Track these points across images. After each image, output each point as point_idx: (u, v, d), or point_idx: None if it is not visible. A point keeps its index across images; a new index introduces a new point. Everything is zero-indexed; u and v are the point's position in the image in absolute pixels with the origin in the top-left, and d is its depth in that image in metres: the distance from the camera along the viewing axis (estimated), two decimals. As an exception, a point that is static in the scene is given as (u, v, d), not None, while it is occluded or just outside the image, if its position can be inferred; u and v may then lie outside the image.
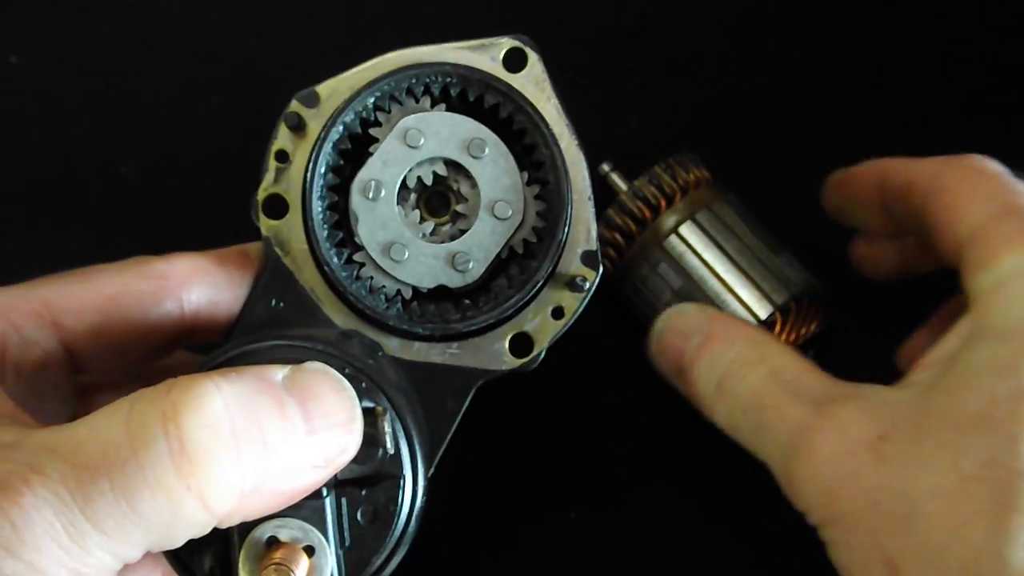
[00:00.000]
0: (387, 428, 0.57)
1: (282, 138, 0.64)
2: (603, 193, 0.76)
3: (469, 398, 0.64)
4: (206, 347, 0.67)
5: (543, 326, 0.64)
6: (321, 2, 0.88)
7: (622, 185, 0.77)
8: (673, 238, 0.75)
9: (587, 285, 0.64)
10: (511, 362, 0.64)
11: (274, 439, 0.52)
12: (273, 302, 0.64)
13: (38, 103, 0.86)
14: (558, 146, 0.62)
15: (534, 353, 0.64)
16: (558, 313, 0.64)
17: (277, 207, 0.64)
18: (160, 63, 0.84)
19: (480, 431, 0.79)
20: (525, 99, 0.63)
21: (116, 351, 0.63)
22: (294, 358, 0.57)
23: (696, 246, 0.74)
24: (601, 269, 0.64)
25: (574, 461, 0.82)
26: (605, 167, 0.77)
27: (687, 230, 0.75)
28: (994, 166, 0.66)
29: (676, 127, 0.87)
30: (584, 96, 0.84)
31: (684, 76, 0.88)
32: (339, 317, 0.64)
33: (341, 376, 0.56)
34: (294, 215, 0.64)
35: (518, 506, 0.81)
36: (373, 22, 0.87)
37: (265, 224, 0.64)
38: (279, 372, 0.54)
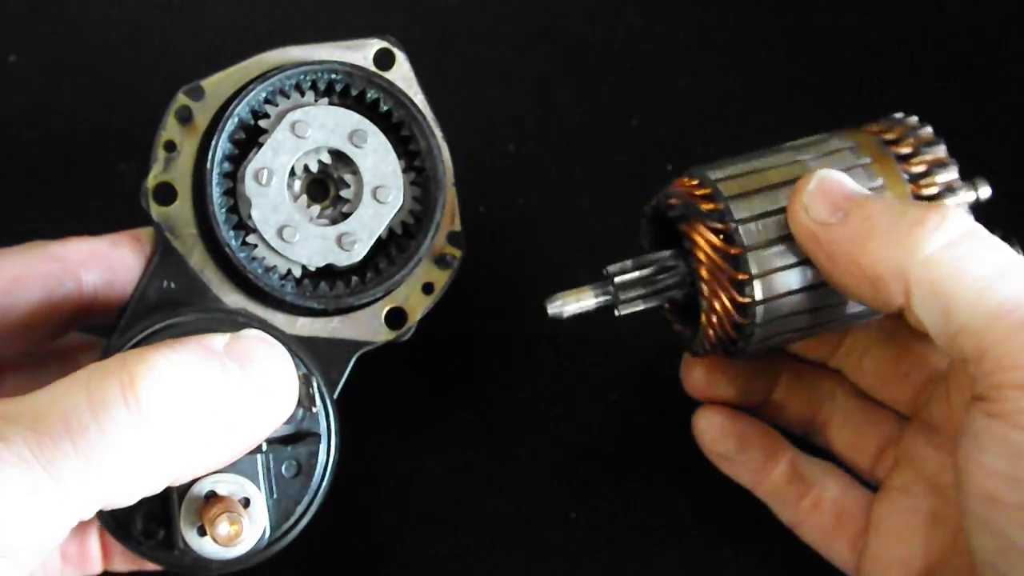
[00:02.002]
0: (312, 390, 0.63)
1: (170, 129, 0.68)
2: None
3: (350, 367, 0.70)
4: (100, 328, 0.70)
5: (415, 301, 0.71)
6: (322, 4, 0.89)
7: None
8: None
9: (455, 263, 0.71)
10: (387, 334, 0.71)
11: (221, 402, 0.56)
12: (165, 283, 0.68)
13: (38, 103, 0.85)
14: (435, 136, 0.70)
15: (408, 325, 0.71)
16: (428, 289, 0.71)
17: (166, 194, 0.68)
18: (160, 63, 0.84)
19: (479, 430, 0.84)
20: (404, 94, 0.69)
21: (21, 331, 0.65)
22: (219, 328, 0.61)
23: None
24: (464, 248, 0.72)
25: (574, 460, 0.85)
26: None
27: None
28: None
29: (677, 126, 0.89)
30: (585, 94, 0.89)
31: (685, 75, 0.90)
32: (227, 297, 0.68)
33: (276, 341, 0.61)
34: (183, 201, 0.68)
35: (518, 505, 0.83)
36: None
37: (155, 210, 0.68)
38: (219, 340, 0.58)
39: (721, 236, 0.66)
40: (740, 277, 0.66)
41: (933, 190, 0.68)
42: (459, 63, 0.90)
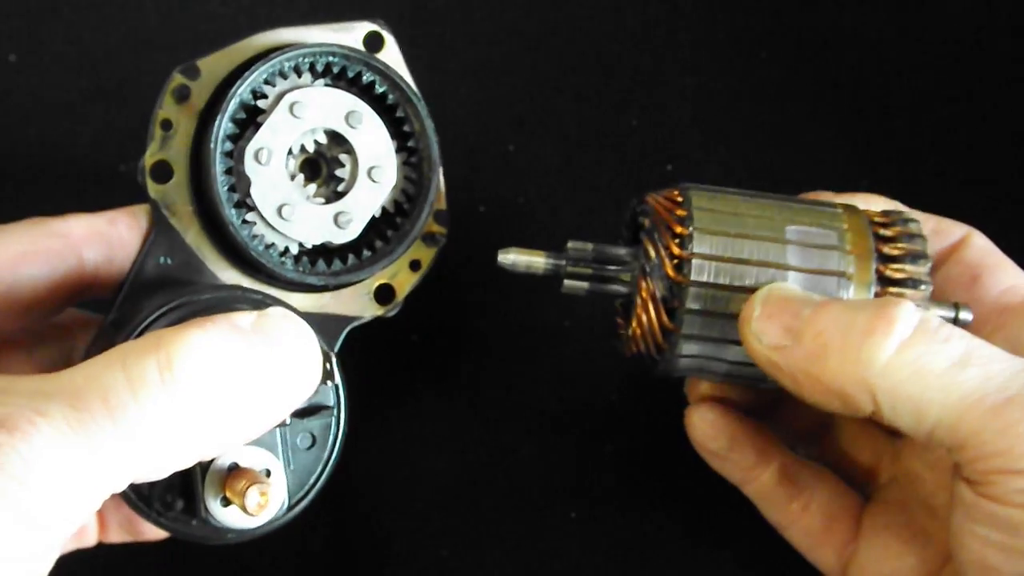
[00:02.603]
0: (331, 365, 0.66)
1: (167, 108, 0.69)
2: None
3: (340, 341, 0.71)
4: (95, 303, 0.71)
5: (403, 277, 0.73)
6: (322, 4, 0.89)
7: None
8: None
9: (442, 240, 0.73)
10: (376, 309, 0.73)
11: (252, 379, 0.58)
12: (162, 259, 0.69)
13: (38, 103, 0.86)
14: (429, 118, 0.71)
15: (395, 301, 0.73)
16: (415, 265, 0.73)
17: (163, 172, 0.69)
18: (160, 63, 0.83)
19: (479, 430, 0.84)
20: (399, 76, 0.70)
21: (25, 307, 0.66)
22: (237, 306, 0.64)
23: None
24: (449, 226, 0.73)
25: (574, 460, 0.85)
26: None
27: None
28: None
29: (677, 126, 0.90)
30: (585, 94, 0.89)
31: (685, 75, 0.91)
32: (223, 273, 0.70)
33: (300, 319, 0.61)
34: (179, 179, 0.69)
35: (518, 505, 0.84)
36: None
37: (152, 188, 0.69)
38: (246, 318, 0.59)
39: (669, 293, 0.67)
40: (670, 327, 0.67)
41: (899, 275, 0.68)
42: (459, 63, 0.91)
